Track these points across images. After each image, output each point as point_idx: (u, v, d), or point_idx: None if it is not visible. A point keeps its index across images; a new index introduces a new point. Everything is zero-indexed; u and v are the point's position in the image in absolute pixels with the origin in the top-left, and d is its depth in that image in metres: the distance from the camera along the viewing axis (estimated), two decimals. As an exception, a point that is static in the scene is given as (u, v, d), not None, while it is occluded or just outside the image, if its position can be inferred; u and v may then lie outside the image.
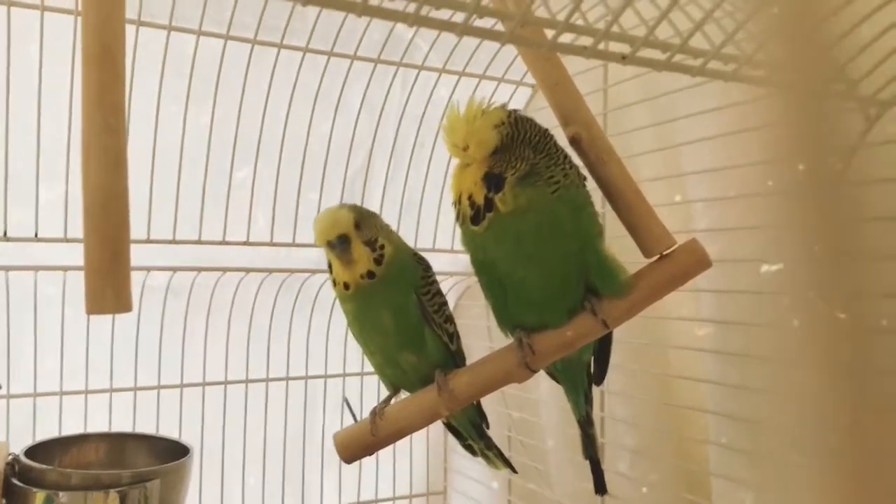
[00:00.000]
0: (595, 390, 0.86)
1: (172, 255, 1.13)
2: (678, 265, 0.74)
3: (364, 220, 0.79)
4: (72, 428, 1.07)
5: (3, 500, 0.84)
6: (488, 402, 0.89)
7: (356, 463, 0.83)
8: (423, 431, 0.86)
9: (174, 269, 1.14)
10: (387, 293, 0.79)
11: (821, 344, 0.34)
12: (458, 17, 0.61)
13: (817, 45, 0.36)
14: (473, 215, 0.71)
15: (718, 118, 0.86)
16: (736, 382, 0.89)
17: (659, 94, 0.96)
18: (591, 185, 0.76)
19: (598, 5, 0.73)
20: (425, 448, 1.38)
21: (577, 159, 0.76)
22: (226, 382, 1.20)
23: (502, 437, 1.27)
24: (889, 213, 0.60)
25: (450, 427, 0.93)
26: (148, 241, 1.06)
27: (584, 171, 0.76)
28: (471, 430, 0.91)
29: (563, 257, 0.71)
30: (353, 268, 0.78)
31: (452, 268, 1.28)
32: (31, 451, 0.91)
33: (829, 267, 0.34)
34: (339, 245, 0.77)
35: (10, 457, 0.88)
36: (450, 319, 0.84)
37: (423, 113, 1.18)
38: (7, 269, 1.04)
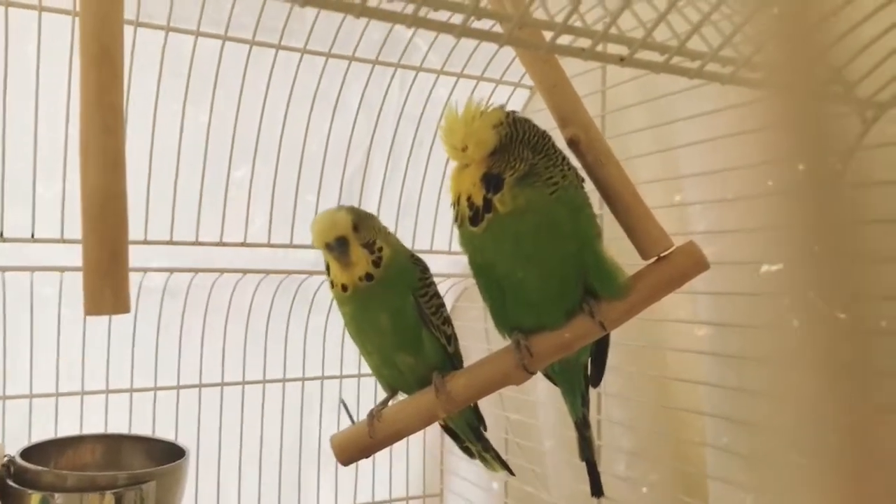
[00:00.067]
0: (592, 392, 0.86)
1: (170, 256, 1.13)
2: (676, 267, 0.74)
3: (362, 222, 0.79)
4: (68, 429, 1.07)
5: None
6: (485, 404, 0.89)
7: (353, 465, 0.83)
8: (419, 433, 0.86)
9: (171, 271, 1.14)
10: (385, 295, 0.79)
11: (819, 345, 0.34)
12: (457, 19, 0.61)
13: (814, 48, 0.37)
14: (472, 216, 0.71)
15: (716, 120, 0.86)
16: (734, 384, 0.89)
17: (657, 96, 0.96)
18: (589, 186, 0.76)
19: (596, 7, 0.73)
20: (422, 450, 1.38)
21: (575, 161, 0.76)
22: (222, 384, 1.20)
23: (499, 440, 1.27)
24: (887, 215, 0.60)
25: (447, 429, 0.93)
26: (145, 242, 1.06)
27: (583, 173, 0.76)
28: (468, 433, 0.91)
29: (562, 258, 0.71)
30: (352, 270, 0.78)
31: (450, 269, 1.28)
32: (27, 453, 0.90)
33: (827, 269, 0.34)
34: (337, 247, 0.77)
35: (6, 458, 0.88)
36: (447, 321, 0.84)
37: (422, 114, 1.18)
38: (4, 269, 1.04)
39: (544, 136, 0.73)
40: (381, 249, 0.79)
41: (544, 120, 0.77)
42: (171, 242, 1.08)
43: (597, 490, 0.86)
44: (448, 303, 1.19)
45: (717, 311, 0.93)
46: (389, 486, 1.34)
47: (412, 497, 1.38)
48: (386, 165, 1.22)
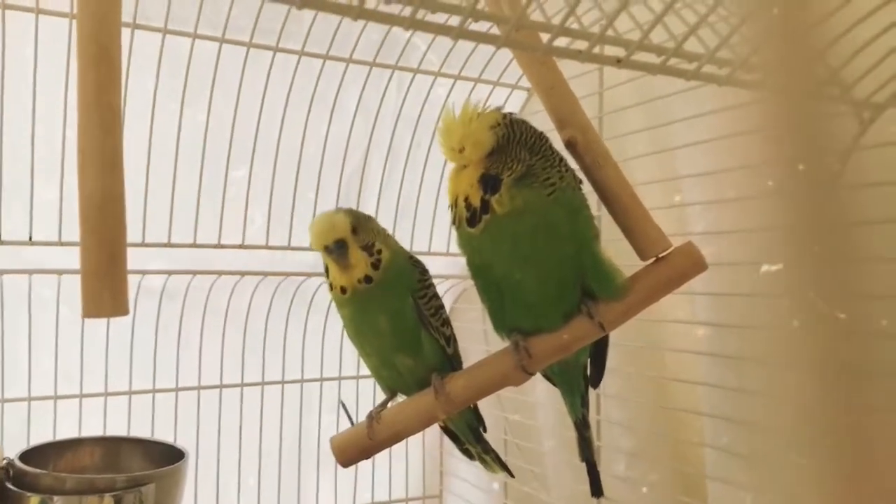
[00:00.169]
0: (591, 393, 0.86)
1: (168, 259, 1.13)
2: (674, 268, 0.74)
3: (361, 225, 0.79)
4: (66, 432, 1.07)
5: (-2, 505, 0.84)
6: (485, 405, 0.89)
7: (352, 466, 0.83)
8: (419, 435, 0.86)
9: (169, 273, 1.14)
10: (384, 297, 0.79)
11: (819, 345, 0.34)
12: (454, 21, 0.61)
13: (811, 49, 0.37)
14: (469, 217, 0.71)
15: (713, 121, 0.86)
16: (732, 385, 0.89)
17: (654, 97, 0.96)
18: (587, 188, 0.76)
19: (592, 9, 0.73)
20: (421, 451, 1.38)
21: (572, 163, 0.76)
22: (221, 386, 1.20)
23: (499, 441, 1.27)
24: (884, 215, 0.60)
25: (447, 431, 0.93)
26: (143, 244, 1.06)
27: (580, 175, 0.76)
28: (468, 434, 0.91)
29: (560, 260, 0.72)
30: (351, 272, 0.78)
31: (449, 271, 1.28)
32: (26, 456, 0.90)
33: (826, 269, 0.34)
34: (336, 250, 0.77)
35: (5, 461, 0.88)
36: (446, 323, 0.84)
37: (419, 115, 1.18)
38: (2, 272, 1.04)
39: (541, 138, 0.73)
40: (379, 251, 0.79)
41: (542, 121, 0.77)
42: (169, 245, 1.08)
43: (597, 490, 0.86)
44: (447, 304, 1.19)
45: (715, 312, 0.93)
46: (389, 487, 1.34)
47: (412, 498, 1.38)
48: (384, 167, 1.22)
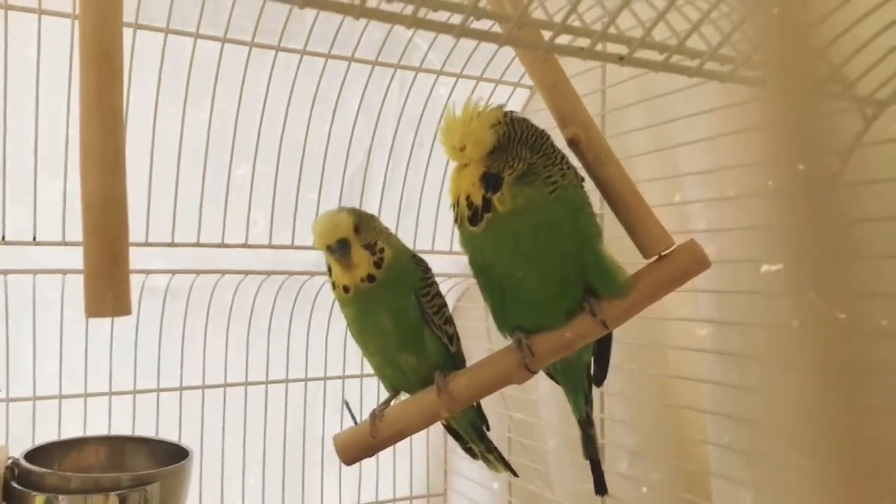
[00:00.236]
0: (594, 391, 0.86)
1: (171, 258, 1.13)
2: (677, 266, 0.74)
3: (363, 224, 0.79)
4: (71, 431, 1.07)
5: (3, 504, 0.85)
6: (488, 404, 0.89)
7: (356, 465, 0.83)
8: (423, 433, 0.86)
9: (173, 272, 1.14)
10: (386, 296, 0.79)
11: (819, 344, 0.34)
12: (456, 19, 0.61)
13: (814, 46, 0.37)
14: (471, 216, 0.71)
15: (716, 119, 0.86)
16: (735, 383, 0.89)
17: (656, 94, 0.96)
18: (589, 186, 0.76)
19: (594, 7, 0.73)
20: (425, 450, 1.38)
21: (575, 160, 0.76)
22: (225, 385, 1.20)
23: (502, 439, 1.27)
24: (887, 212, 0.60)
25: (450, 430, 0.93)
26: (146, 243, 1.06)
27: (583, 173, 0.76)
28: (471, 433, 0.91)
29: (562, 258, 0.72)
30: (353, 271, 0.78)
31: (452, 269, 1.28)
32: (31, 455, 0.91)
33: (827, 267, 0.34)
34: (338, 249, 0.77)
35: (10, 460, 0.88)
36: (449, 321, 0.84)
37: (422, 114, 1.18)
38: (6, 272, 1.04)
39: (543, 136, 0.73)
40: (382, 250, 0.79)
41: (544, 120, 0.77)
42: (172, 244, 1.09)
43: (600, 488, 0.86)
44: (450, 302, 1.19)
45: (718, 310, 0.93)
46: (393, 485, 1.34)
47: (416, 497, 1.38)
48: (387, 166, 1.22)
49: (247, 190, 1.12)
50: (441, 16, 0.62)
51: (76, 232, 0.94)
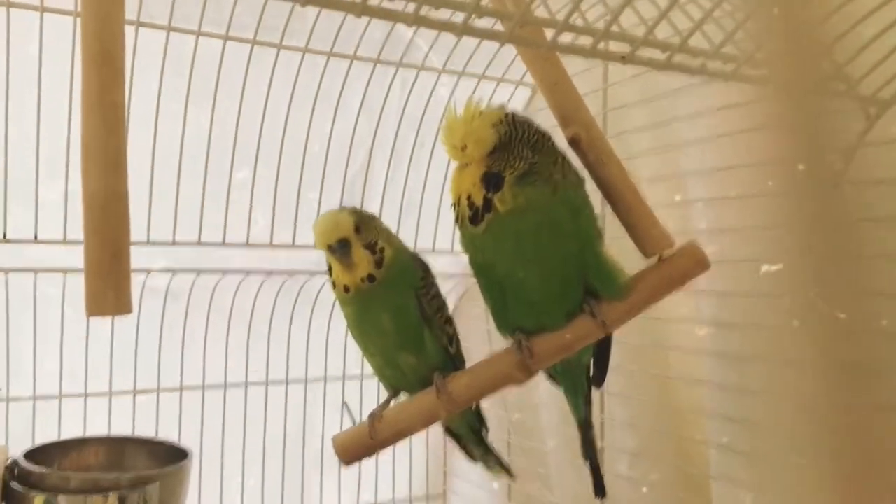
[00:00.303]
0: (595, 392, 0.86)
1: (172, 257, 1.13)
2: (677, 267, 0.74)
3: (364, 224, 0.79)
4: (71, 431, 1.07)
5: None
6: (488, 405, 0.89)
7: (356, 465, 0.83)
8: (422, 434, 0.86)
9: (174, 271, 1.14)
10: (387, 296, 0.79)
11: (820, 344, 0.34)
12: (458, 17, 0.61)
13: (817, 45, 0.36)
14: (472, 216, 0.71)
15: (718, 118, 0.86)
16: (736, 383, 0.89)
17: (658, 94, 0.96)
18: (590, 186, 0.76)
19: (597, 5, 0.73)
20: (425, 451, 1.38)
21: (576, 160, 0.76)
22: (225, 385, 1.20)
23: (502, 440, 1.27)
24: (890, 212, 0.60)
25: (449, 432, 0.93)
26: (147, 242, 1.06)
27: (584, 172, 0.76)
28: (470, 436, 0.90)
29: (563, 258, 0.71)
30: (354, 271, 0.78)
31: (453, 269, 1.27)
32: (31, 455, 0.90)
33: (829, 267, 0.34)
34: (339, 249, 0.77)
35: (10, 460, 0.88)
36: (449, 321, 0.84)
37: (423, 112, 1.18)
38: (6, 270, 1.04)
39: (544, 135, 0.73)
40: (382, 250, 0.78)
41: (546, 119, 0.77)
42: (173, 243, 1.08)
43: (600, 490, 0.86)
44: (450, 303, 1.19)
45: (719, 310, 0.93)
46: (392, 486, 1.34)
47: (415, 498, 1.38)
48: (388, 165, 1.21)
49: (248, 189, 1.12)
50: (443, 14, 0.62)
51: (77, 231, 0.93)
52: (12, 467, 0.87)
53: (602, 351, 0.82)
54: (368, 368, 0.88)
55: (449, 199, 0.75)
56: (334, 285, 0.80)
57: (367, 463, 0.84)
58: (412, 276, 0.81)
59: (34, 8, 0.94)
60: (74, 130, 0.96)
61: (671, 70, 0.70)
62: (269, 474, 1.23)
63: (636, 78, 0.97)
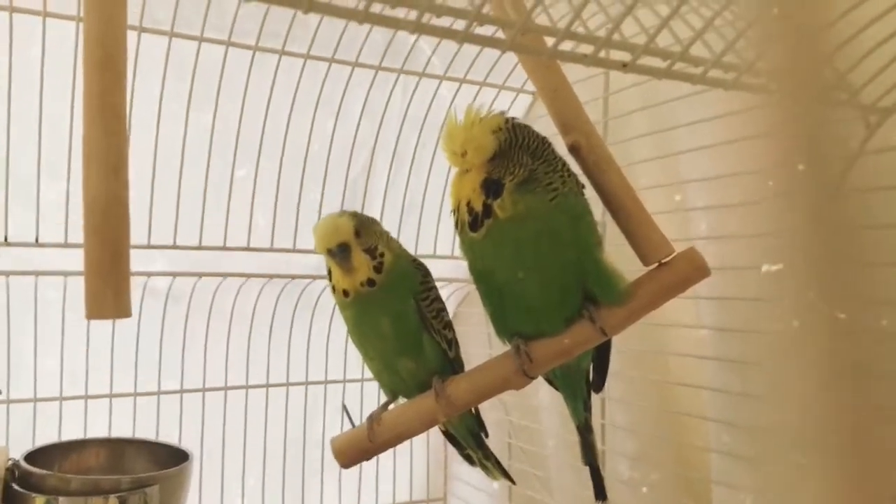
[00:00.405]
0: (595, 397, 0.86)
1: (173, 261, 1.13)
2: (677, 273, 0.74)
3: (364, 228, 0.79)
4: (72, 433, 1.07)
5: (3, 505, 0.85)
6: (488, 409, 0.89)
7: (356, 469, 0.83)
8: (423, 437, 0.86)
9: (174, 275, 1.14)
10: (386, 300, 0.79)
11: (821, 346, 0.34)
12: (460, 25, 0.61)
13: (818, 54, 0.37)
14: (471, 222, 0.71)
15: (718, 126, 0.86)
16: (736, 388, 0.89)
17: (659, 101, 0.96)
18: (590, 193, 0.76)
19: (598, 13, 0.73)
20: (426, 454, 1.38)
21: (576, 167, 0.76)
22: (226, 388, 1.20)
23: (502, 444, 1.27)
24: (890, 219, 0.60)
25: (449, 436, 0.93)
26: (148, 246, 1.06)
27: (584, 179, 0.76)
28: (469, 440, 0.91)
29: (562, 265, 0.71)
30: (353, 275, 0.78)
31: (453, 274, 1.28)
32: (31, 457, 0.91)
33: (830, 275, 0.34)
34: (339, 253, 0.77)
35: (10, 462, 0.88)
36: (448, 326, 0.84)
37: (424, 119, 1.18)
38: (8, 273, 1.04)
39: (544, 142, 0.73)
40: (382, 255, 0.79)
41: (546, 126, 0.77)
42: (174, 247, 1.09)
43: (600, 494, 0.86)
44: (450, 308, 1.19)
45: (719, 315, 0.93)
46: (393, 489, 1.34)
47: (416, 501, 1.38)
48: (389, 170, 1.22)
49: (249, 193, 1.12)
50: (444, 21, 0.62)
51: (78, 234, 0.94)
52: (13, 469, 0.87)
53: (601, 356, 0.82)
54: (368, 372, 0.88)
55: (449, 203, 0.75)
56: (334, 289, 0.81)
57: (368, 465, 0.85)
58: (412, 280, 0.81)
59: (37, 12, 0.95)
60: (76, 134, 0.97)
61: (672, 78, 0.70)
62: (269, 477, 1.23)
63: (637, 86, 0.98)
